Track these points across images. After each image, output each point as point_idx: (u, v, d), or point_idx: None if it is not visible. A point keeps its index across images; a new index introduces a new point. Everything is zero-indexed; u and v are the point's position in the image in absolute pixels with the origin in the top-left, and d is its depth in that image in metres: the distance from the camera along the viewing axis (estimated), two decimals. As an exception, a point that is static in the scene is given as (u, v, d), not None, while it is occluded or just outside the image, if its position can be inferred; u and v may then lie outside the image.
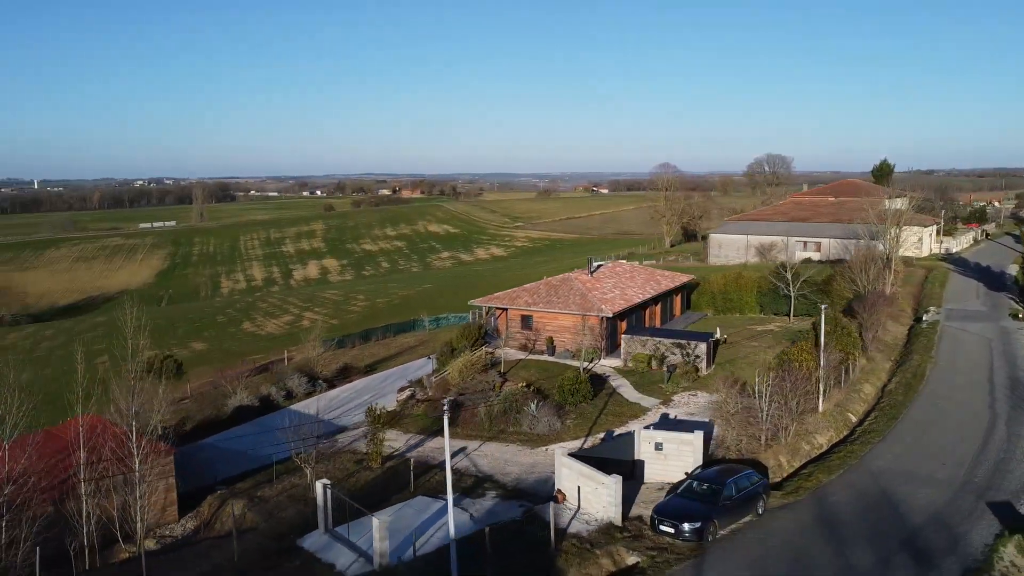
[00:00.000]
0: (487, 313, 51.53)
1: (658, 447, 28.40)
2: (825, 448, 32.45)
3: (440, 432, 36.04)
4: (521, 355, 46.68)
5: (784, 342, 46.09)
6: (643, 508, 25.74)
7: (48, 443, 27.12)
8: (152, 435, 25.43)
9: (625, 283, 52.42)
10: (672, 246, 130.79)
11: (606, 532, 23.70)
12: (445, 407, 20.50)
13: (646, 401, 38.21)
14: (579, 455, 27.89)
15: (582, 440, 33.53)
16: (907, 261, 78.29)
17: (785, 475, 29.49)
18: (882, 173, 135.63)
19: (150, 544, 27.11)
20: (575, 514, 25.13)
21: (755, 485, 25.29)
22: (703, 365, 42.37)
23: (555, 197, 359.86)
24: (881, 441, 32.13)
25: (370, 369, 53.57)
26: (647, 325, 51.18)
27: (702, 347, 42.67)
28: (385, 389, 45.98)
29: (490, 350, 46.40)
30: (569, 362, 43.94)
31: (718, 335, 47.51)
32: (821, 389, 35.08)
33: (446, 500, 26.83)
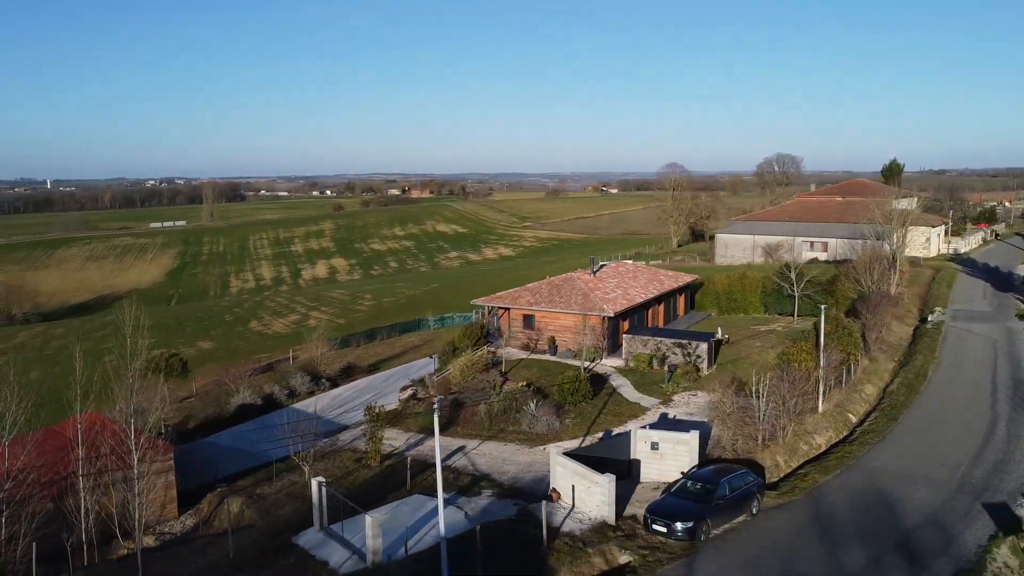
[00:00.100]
0: (489, 313, 51.66)
1: (654, 447, 28.44)
2: (824, 448, 32.38)
3: (440, 431, 36.39)
4: (523, 355, 46.77)
5: (787, 342, 45.97)
6: (638, 507, 25.79)
7: (49, 440, 27.43)
8: (150, 432, 25.66)
9: (628, 283, 52.43)
10: (679, 246, 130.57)
11: (599, 531, 23.78)
12: (436, 405, 20.62)
13: (646, 401, 38.23)
14: (575, 454, 27.97)
15: (580, 439, 33.61)
16: (914, 261, 77.90)
17: (782, 475, 29.45)
18: (891, 173, 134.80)
19: (149, 541, 27.36)
20: (569, 513, 25.22)
21: (749, 485, 25.30)
22: (704, 365, 42.35)
23: (564, 197, 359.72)
24: (880, 442, 32.06)
25: (373, 368, 53.82)
26: (650, 325, 51.18)
27: (703, 347, 42.65)
28: (388, 388, 46.18)
29: (492, 349, 46.53)
30: (571, 362, 44.00)
31: (719, 335, 47.44)
32: (821, 389, 35.00)
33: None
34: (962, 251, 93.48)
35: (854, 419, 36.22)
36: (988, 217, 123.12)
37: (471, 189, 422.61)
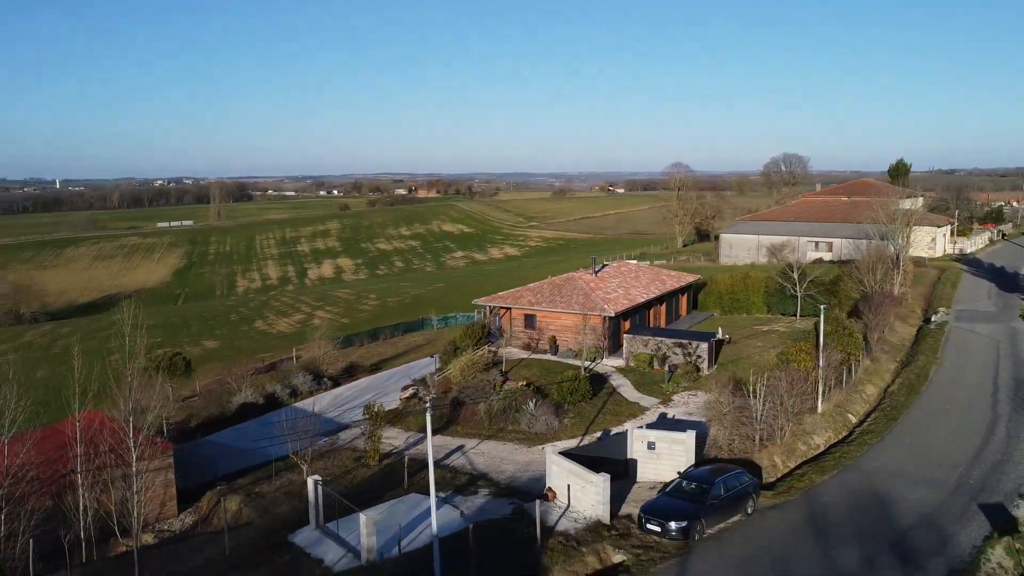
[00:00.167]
0: (491, 312, 51.75)
1: (651, 446, 28.47)
2: (822, 448, 32.35)
3: (440, 430, 36.61)
4: (524, 354, 46.84)
5: (788, 342, 45.92)
6: (633, 507, 25.82)
7: (50, 439, 27.64)
8: (148, 430, 25.83)
9: (630, 283, 52.44)
10: (684, 246, 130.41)
11: (593, 530, 23.83)
12: (428, 404, 20.72)
13: (645, 401, 38.26)
14: (572, 454, 28.02)
15: (579, 439, 33.66)
16: (919, 261, 77.63)
17: (780, 475, 29.45)
18: (898, 173, 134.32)
19: (148, 538, 27.54)
20: (564, 512, 25.28)
21: (745, 485, 25.30)
22: (704, 365, 42.34)
23: (570, 197, 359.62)
24: (878, 442, 32.01)
25: (375, 368, 53.94)
26: (652, 325, 51.18)
27: (703, 347, 42.64)
28: (389, 388, 46.30)
29: (493, 349, 46.61)
30: (571, 361, 44.04)
31: (720, 335, 47.41)
32: (820, 390, 34.95)
33: (439, 497, 27.21)
34: (968, 251, 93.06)
35: (854, 419, 36.15)
36: (995, 217, 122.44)
37: (477, 189, 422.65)
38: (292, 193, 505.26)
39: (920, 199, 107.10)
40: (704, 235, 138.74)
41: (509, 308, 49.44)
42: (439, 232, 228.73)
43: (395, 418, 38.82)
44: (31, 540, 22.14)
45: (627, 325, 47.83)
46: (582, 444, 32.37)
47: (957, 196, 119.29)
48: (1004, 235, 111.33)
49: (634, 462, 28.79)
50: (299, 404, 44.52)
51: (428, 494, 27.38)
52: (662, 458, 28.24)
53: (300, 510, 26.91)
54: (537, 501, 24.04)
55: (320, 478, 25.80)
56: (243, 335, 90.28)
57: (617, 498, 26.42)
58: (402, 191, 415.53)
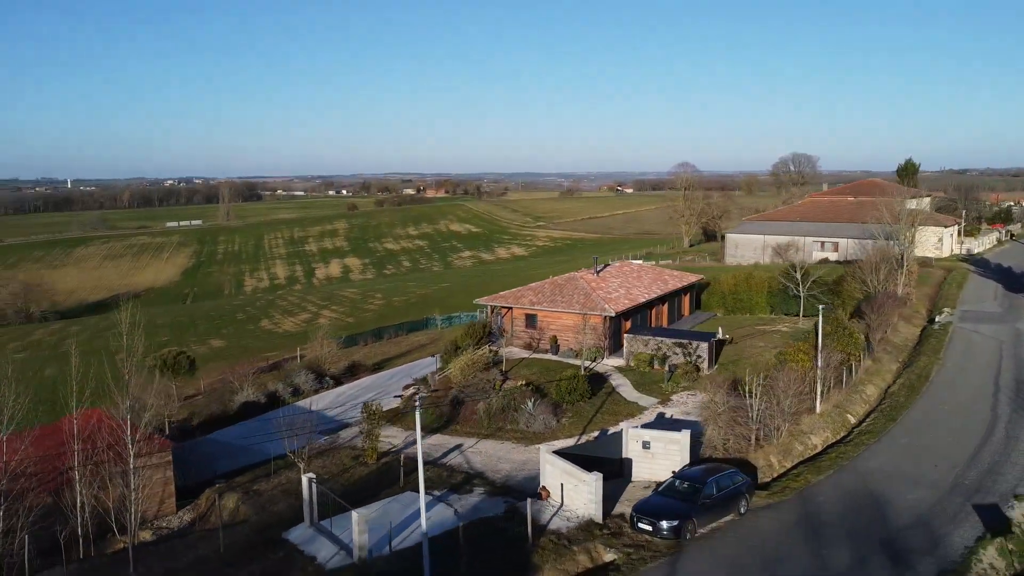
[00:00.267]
0: (492, 312, 51.86)
1: (646, 446, 28.51)
2: (820, 449, 32.30)
3: (440, 429, 36.77)
4: (525, 354, 46.92)
5: (790, 342, 45.82)
6: (627, 506, 25.87)
7: (50, 436, 27.93)
8: (146, 428, 26.08)
9: (631, 283, 52.45)
10: (691, 246, 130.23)
11: (586, 529, 23.91)
12: (417, 403, 20.85)
13: (644, 400, 38.28)
14: (568, 453, 28.09)
15: (576, 438, 33.72)
16: (925, 262, 77.29)
17: (776, 475, 29.43)
18: (907, 172, 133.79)
19: (147, 535, 27.80)
20: (557, 511, 25.37)
21: (738, 485, 25.33)
22: (704, 365, 42.32)
23: (577, 197, 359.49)
24: (876, 442, 31.95)
25: (378, 367, 54.13)
26: (654, 325, 51.18)
27: (704, 347, 42.62)
28: (391, 387, 46.49)
29: (494, 349, 46.70)
30: (572, 361, 44.10)
31: (720, 335, 47.37)
32: (819, 390, 34.89)
33: (433, 495, 27.41)
34: (975, 251, 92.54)
35: (853, 420, 36.07)
36: (1004, 217, 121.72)
37: (486, 189, 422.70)
38: (301, 193, 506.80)
39: (927, 199, 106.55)
40: (711, 235, 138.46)
41: (510, 308, 49.55)
42: (447, 232, 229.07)
43: (395, 417, 38.98)
44: (27, 536, 22.36)
45: (628, 325, 47.84)
46: (578, 443, 32.43)
47: (965, 196, 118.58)
48: (1013, 235, 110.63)
49: (629, 461, 28.83)
50: (301, 403, 44.75)
51: (424, 492, 27.65)
52: (657, 457, 28.27)
53: (296, 508, 27.10)
54: (528, 500, 24.12)
55: (315, 476, 25.98)
56: (249, 334, 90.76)
57: (611, 497, 26.50)
58: (410, 191, 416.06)
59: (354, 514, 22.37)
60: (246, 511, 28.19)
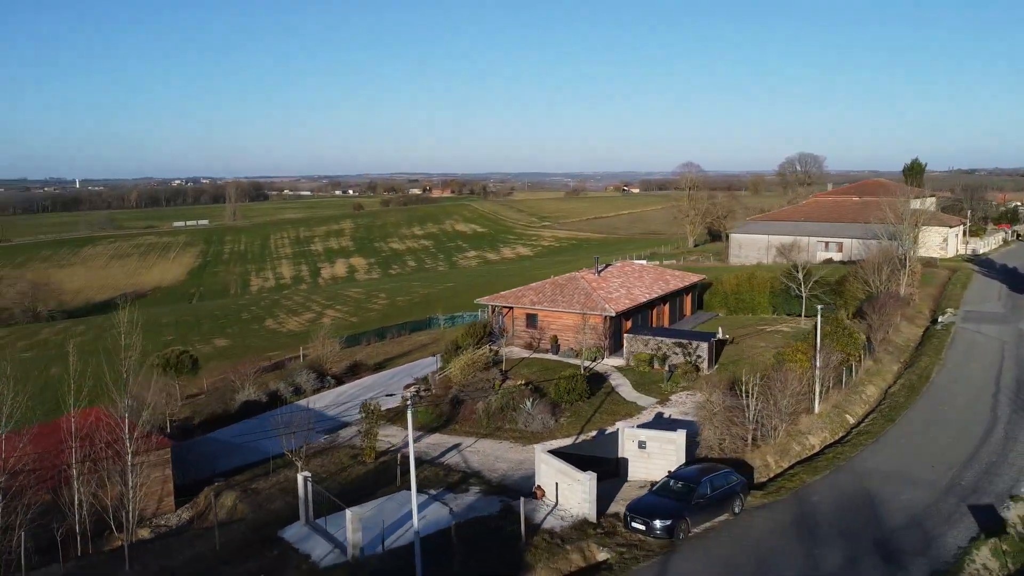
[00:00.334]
0: (493, 312, 51.95)
1: (641, 445, 28.56)
2: (817, 449, 32.27)
3: (439, 429, 36.86)
4: (526, 354, 47.01)
5: (791, 343, 45.78)
6: (622, 505, 25.89)
7: (49, 434, 28.13)
8: (144, 426, 26.26)
9: (632, 283, 52.46)
10: (696, 246, 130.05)
11: (579, 528, 23.98)
12: (409, 402, 20.93)
13: (643, 400, 38.29)
14: (564, 452, 28.16)
15: (573, 438, 33.76)
16: (930, 262, 77.08)
17: (772, 475, 29.42)
18: (913, 172, 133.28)
19: (145, 533, 27.97)
20: (552, 510, 25.44)
21: (732, 484, 25.35)
22: (704, 365, 42.31)
23: (583, 196, 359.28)
24: (874, 443, 31.92)
25: (380, 366, 54.27)
26: (655, 324, 51.19)
27: (703, 347, 42.61)
28: (392, 386, 46.60)
29: (494, 348, 46.78)
30: (572, 361, 44.16)
31: (720, 335, 47.35)
32: (817, 390, 34.85)
33: (429, 494, 27.53)
34: (980, 252, 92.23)
35: (852, 420, 36.02)
36: (1010, 217, 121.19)
37: (492, 189, 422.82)
38: (308, 193, 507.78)
39: (932, 199, 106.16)
40: (716, 235, 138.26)
41: (511, 308, 49.64)
42: (452, 232, 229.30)
43: (395, 416, 39.04)
44: (23, 533, 22.55)
45: (629, 325, 47.86)
46: (575, 443, 32.48)
47: (971, 196, 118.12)
48: (1019, 235, 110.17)
49: (625, 461, 28.89)
50: (302, 402, 44.90)
51: (420, 491, 27.72)
52: (653, 457, 28.31)
53: (293, 506, 27.19)
54: (522, 499, 24.20)
55: (310, 475, 26.11)
56: (254, 334, 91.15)
57: (607, 497, 26.57)
58: (416, 191, 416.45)
59: (348, 512, 22.49)
60: (243, 509, 28.35)
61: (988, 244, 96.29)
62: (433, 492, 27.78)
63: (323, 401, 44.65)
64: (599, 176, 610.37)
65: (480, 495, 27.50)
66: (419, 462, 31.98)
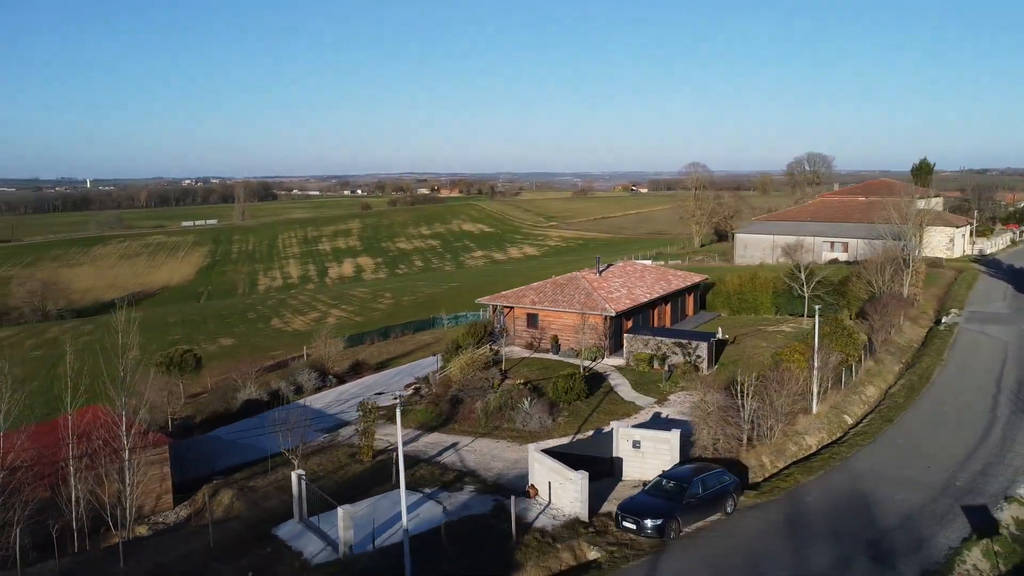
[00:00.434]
0: (494, 312, 52.07)
1: (636, 445, 28.60)
2: (814, 449, 32.25)
3: (438, 428, 37.01)
4: (527, 353, 47.12)
5: (793, 343, 45.69)
6: (615, 505, 25.94)
7: (49, 432, 28.39)
8: (140, 423, 26.48)
9: (633, 282, 52.46)
10: (702, 246, 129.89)
11: (571, 527, 24.05)
12: (398, 401, 21.04)
13: (641, 400, 38.32)
14: (559, 452, 28.21)
15: (571, 437, 33.82)
16: (936, 262, 76.79)
17: (767, 475, 29.43)
18: (921, 172, 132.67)
19: (143, 530, 28.20)
20: (544, 509, 25.53)
21: (725, 484, 25.37)
22: (704, 365, 42.29)
23: (591, 196, 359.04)
24: (870, 443, 31.86)
25: (382, 366, 54.47)
26: (657, 324, 51.18)
27: (703, 347, 42.59)
28: (393, 385, 46.77)
29: (495, 348, 46.88)
30: (572, 361, 44.22)
31: (720, 335, 47.31)
32: (815, 390, 34.80)
33: (424, 493, 27.67)
34: (987, 252, 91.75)
35: (850, 420, 35.96)
36: (1019, 217, 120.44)
37: (500, 189, 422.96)
38: (316, 193, 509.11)
39: (938, 199, 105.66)
40: (723, 235, 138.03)
41: (512, 307, 49.74)
42: (459, 232, 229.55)
43: (394, 415, 39.18)
44: (20, 529, 22.77)
45: (629, 325, 47.88)
46: (571, 442, 32.52)
47: (979, 196, 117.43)
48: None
49: (619, 460, 28.94)
50: (303, 401, 45.12)
51: (413, 490, 27.93)
52: (647, 457, 28.35)
53: (289, 504, 27.34)
54: (512, 497, 24.29)
55: (303, 473, 26.28)
56: (259, 333, 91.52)
57: (600, 496, 26.65)
58: (424, 191, 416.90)
59: (339, 510, 22.65)
60: (240, 507, 28.55)
61: (995, 244, 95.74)
62: (428, 491, 27.91)
63: (324, 400, 44.88)
64: (608, 176, 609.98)
65: (474, 494, 27.61)
66: (416, 461, 32.22)
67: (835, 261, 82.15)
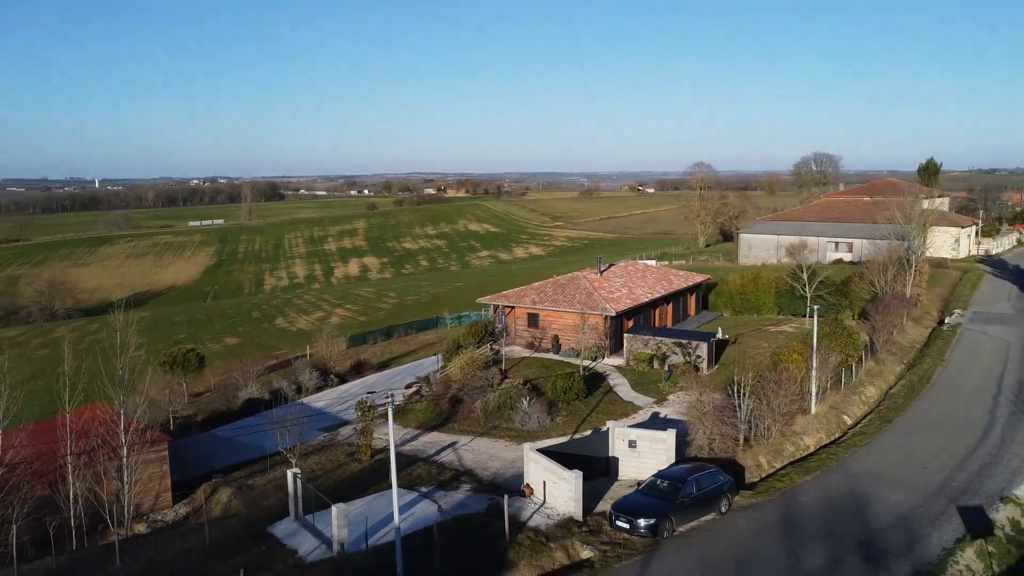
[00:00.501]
0: (496, 311, 52.15)
1: (632, 444, 28.64)
2: (812, 450, 32.20)
3: (438, 427, 37.12)
4: (527, 353, 47.18)
5: (795, 343, 45.61)
6: (610, 504, 26.01)
7: (49, 431, 28.62)
8: (137, 421, 26.67)
9: (635, 282, 52.46)
10: (707, 246, 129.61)
11: (564, 526, 24.12)
12: (390, 400, 21.14)
13: (640, 400, 38.34)
14: (554, 451, 28.27)
15: (569, 437, 33.86)
16: (940, 263, 76.53)
17: (764, 475, 29.41)
18: (928, 172, 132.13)
19: (141, 528, 28.43)
20: (539, 508, 25.60)
21: (719, 484, 25.38)
22: (704, 365, 42.27)
23: (597, 196, 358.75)
24: (868, 443, 31.80)
25: (384, 365, 54.64)
26: (658, 324, 51.17)
27: (703, 347, 42.57)
28: (394, 384, 46.88)
29: (495, 348, 46.95)
30: (573, 360, 44.25)
31: (720, 335, 47.27)
32: (813, 390, 34.76)
33: (420, 492, 27.77)
34: (993, 252, 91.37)
35: (849, 421, 35.89)
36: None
37: (507, 189, 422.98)
38: (323, 193, 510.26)
39: (946, 199, 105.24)
40: (728, 235, 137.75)
41: (513, 307, 49.82)
42: (465, 231, 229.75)
43: (397, 414, 39.28)
44: (17, 526, 22.99)
45: (630, 324, 47.89)
46: (568, 442, 32.58)
47: (985, 196, 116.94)
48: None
49: (616, 460, 28.98)
50: (304, 400, 45.31)
51: (411, 489, 28.05)
52: (643, 456, 28.38)
53: (286, 502, 27.50)
54: (506, 496, 24.37)
55: (299, 472, 26.42)
56: (264, 332, 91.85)
57: (596, 495, 26.70)
58: (431, 191, 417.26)
59: (333, 509, 22.77)
60: (238, 505, 28.73)
61: (1001, 245, 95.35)
62: (424, 490, 28.01)
63: (325, 399, 45.05)
64: (615, 176, 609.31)
65: (470, 493, 27.69)
66: (414, 460, 32.34)
67: (840, 261, 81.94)
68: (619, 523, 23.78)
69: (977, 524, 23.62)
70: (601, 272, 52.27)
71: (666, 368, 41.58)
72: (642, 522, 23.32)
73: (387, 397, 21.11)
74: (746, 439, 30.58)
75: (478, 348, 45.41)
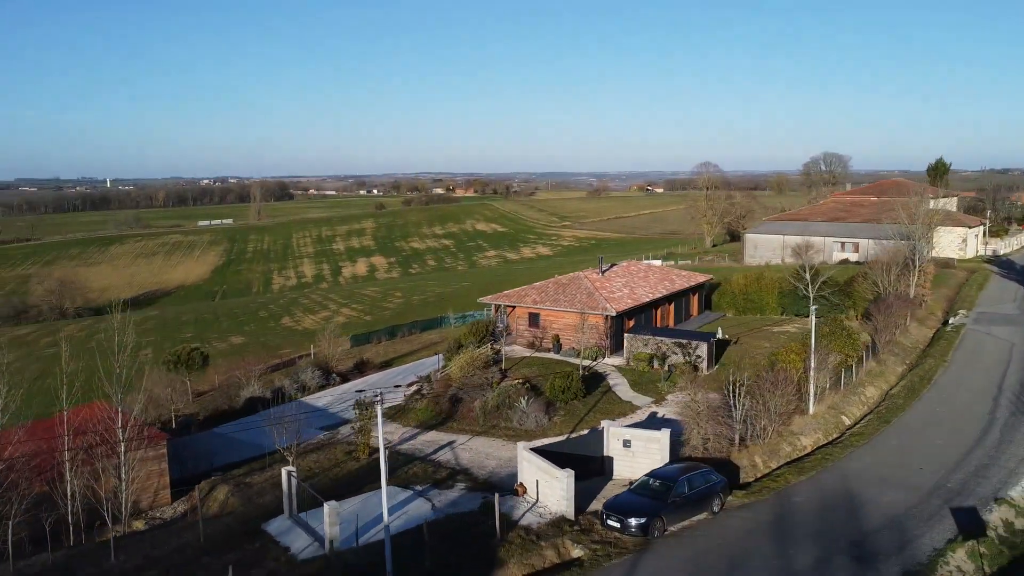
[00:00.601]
0: (497, 311, 52.25)
1: (626, 444, 28.69)
2: (809, 450, 32.19)
3: (437, 426, 37.26)
4: (528, 352, 47.25)
5: (791, 343, 45.50)
6: (602, 504, 26.07)
7: (48, 429, 28.90)
8: (135, 419, 26.92)
9: (636, 282, 52.45)
10: (714, 246, 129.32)
11: (556, 525, 24.19)
12: (379, 398, 21.26)
13: (639, 400, 38.36)
14: (549, 450, 28.35)
15: (566, 436, 33.92)
16: (947, 263, 76.12)
17: (759, 475, 29.41)
18: (937, 172, 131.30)
19: (139, 525, 28.67)
20: (531, 507, 25.69)
21: (712, 484, 25.40)
22: (704, 365, 42.24)
23: (605, 196, 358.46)
24: (865, 444, 31.75)
25: (386, 364, 54.85)
26: (660, 324, 51.14)
27: (703, 347, 42.53)
28: (395, 384, 47.09)
29: (496, 347, 47.06)
30: (573, 360, 44.28)
31: (720, 335, 47.22)
32: (811, 391, 34.71)
33: (415, 490, 27.92)
34: (1001, 252, 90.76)
35: (848, 421, 35.84)
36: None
37: (515, 188, 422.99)
38: (332, 192, 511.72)
39: (953, 199, 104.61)
40: (735, 235, 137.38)
41: (514, 307, 49.91)
42: (472, 231, 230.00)
43: (396, 414, 39.51)
44: (14, 523, 23.28)
45: (631, 324, 47.89)
46: (563, 441, 32.64)
47: (993, 196, 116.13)
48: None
49: (610, 459, 29.04)
50: (306, 399, 45.54)
51: (403, 487, 28.20)
52: (637, 456, 28.43)
53: (281, 500, 27.70)
54: (497, 495, 24.46)
55: (294, 470, 26.59)
56: (270, 331, 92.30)
57: (590, 494, 26.76)
58: (440, 190, 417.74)
59: (325, 506, 22.93)
60: (234, 503, 28.94)
61: (1009, 245, 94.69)
62: (419, 488, 28.15)
63: (327, 398, 45.25)
64: (624, 176, 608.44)
65: (465, 491, 27.80)
66: (411, 458, 32.49)
67: (845, 261, 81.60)
68: (610, 522, 23.84)
69: (970, 525, 23.57)
70: (603, 272, 52.29)
71: (666, 368, 41.57)
72: (633, 521, 23.37)
73: (375, 396, 21.21)
74: (742, 439, 30.57)
75: (479, 347, 45.53)
